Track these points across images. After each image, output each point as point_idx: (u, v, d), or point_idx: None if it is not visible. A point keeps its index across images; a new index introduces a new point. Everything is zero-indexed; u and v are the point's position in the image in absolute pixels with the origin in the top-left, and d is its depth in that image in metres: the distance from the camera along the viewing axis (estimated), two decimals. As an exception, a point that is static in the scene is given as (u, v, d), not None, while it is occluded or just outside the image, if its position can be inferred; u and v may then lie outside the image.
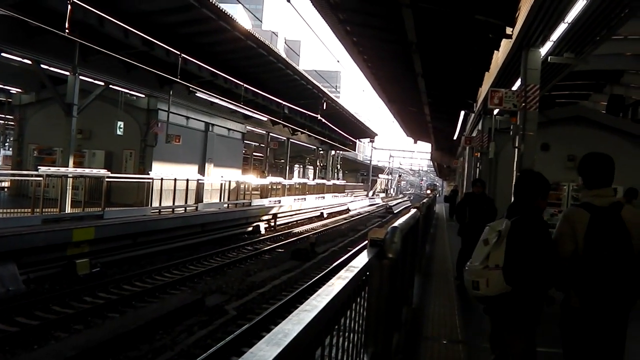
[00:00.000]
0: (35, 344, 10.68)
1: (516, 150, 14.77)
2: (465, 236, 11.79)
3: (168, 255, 20.46)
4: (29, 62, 19.78)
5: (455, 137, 41.48)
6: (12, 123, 31.51)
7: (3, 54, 17.96)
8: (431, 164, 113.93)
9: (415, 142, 64.22)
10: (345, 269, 2.97)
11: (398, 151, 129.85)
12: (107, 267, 17.47)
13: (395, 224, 4.57)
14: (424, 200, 17.18)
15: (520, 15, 13.14)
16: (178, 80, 22.27)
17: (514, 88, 16.88)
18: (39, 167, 18.06)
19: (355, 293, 3.02)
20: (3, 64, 21.08)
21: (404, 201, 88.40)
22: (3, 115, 35.45)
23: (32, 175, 17.84)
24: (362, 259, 3.30)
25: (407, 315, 7.20)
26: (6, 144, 40.38)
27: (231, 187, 30.68)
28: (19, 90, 28.61)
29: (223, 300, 14.83)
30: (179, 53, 21.83)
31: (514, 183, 5.00)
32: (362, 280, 3.20)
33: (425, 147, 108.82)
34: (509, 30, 14.30)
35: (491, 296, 4.64)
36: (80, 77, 20.43)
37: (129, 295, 14.73)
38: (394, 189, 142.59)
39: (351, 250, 24.42)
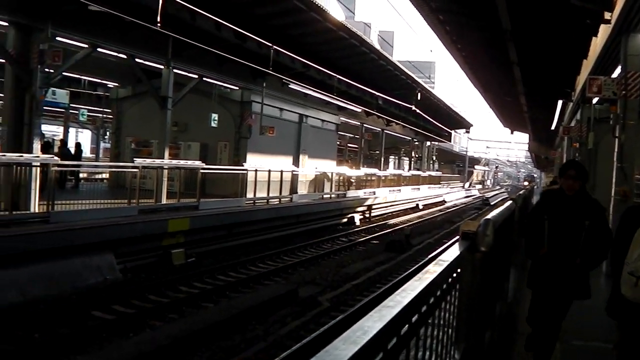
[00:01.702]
0: (131, 332, 10.82)
1: (616, 140, 14.11)
2: (539, 287, 6.25)
3: (262, 246, 20.51)
4: (124, 56, 20.14)
5: (553, 127, 40.44)
6: (110, 116, 32.27)
7: (99, 49, 18.29)
8: (528, 155, 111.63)
9: (512, 133, 62.86)
10: (434, 262, 2.80)
11: (494, 142, 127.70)
12: (202, 258, 17.70)
13: (489, 216, 4.35)
14: (520, 192, 16.70)
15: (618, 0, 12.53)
16: (271, 72, 22.29)
17: (614, 76, 16.16)
18: (134, 159, 18.39)
19: (444, 288, 2.82)
20: (100, 59, 21.54)
21: (500, 193, 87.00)
22: (101, 109, 36.44)
23: (128, 167, 18.20)
24: (453, 252, 3.12)
25: (501, 310, 6.92)
26: (105, 137, 41.43)
27: (326, 179, 30.69)
28: (116, 84, 29.32)
29: (316, 291, 14.74)
30: (271, 45, 21.84)
31: None
32: (452, 274, 3.00)
33: (523, 138, 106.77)
34: (607, 15, 13.65)
35: None
36: (174, 71, 20.70)
37: (223, 286, 14.83)
38: (490, 180, 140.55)
39: (446, 242, 24.00)
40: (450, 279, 2.98)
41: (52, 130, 53.46)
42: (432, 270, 2.59)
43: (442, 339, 2.92)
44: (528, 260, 6.59)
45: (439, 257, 2.93)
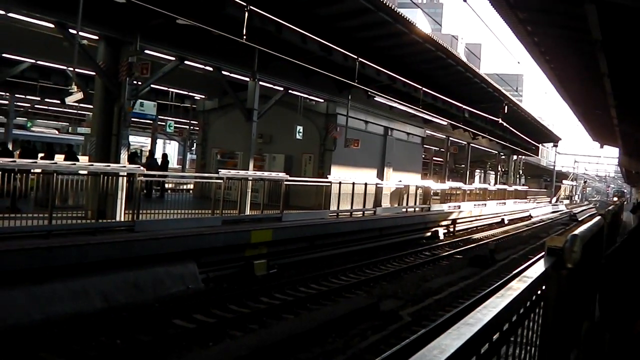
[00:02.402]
0: (211, 341, 10.88)
1: None
2: None
3: (345, 258, 20.43)
4: (210, 69, 20.45)
5: (645, 141, 39.19)
6: (197, 128, 32.82)
7: (186, 62, 18.62)
8: (618, 169, 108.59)
9: (601, 147, 61.12)
10: (517, 279, 2.66)
11: (583, 156, 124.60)
12: (284, 269, 17.73)
13: (576, 231, 4.16)
14: (610, 208, 16.18)
15: None
16: (356, 84, 22.24)
17: None
18: (219, 170, 18.60)
19: (528, 305, 2.69)
20: (187, 72, 21.93)
21: (588, 208, 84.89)
22: (188, 121, 37.10)
23: (213, 178, 18.42)
24: (538, 269, 2.97)
25: (587, 330, 6.65)
26: (192, 148, 42.20)
27: (410, 192, 30.48)
28: (203, 96, 29.80)
29: (398, 305, 14.55)
30: (356, 57, 21.80)
31: None
32: (537, 291, 2.86)
33: (612, 152, 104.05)
34: None
35: None
36: (260, 83, 20.88)
37: (304, 297, 14.82)
38: (578, 195, 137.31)
39: (532, 258, 23.47)
40: (534, 296, 2.85)
41: (140, 141, 54.75)
42: (516, 287, 2.47)
43: (524, 358, 2.79)
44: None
45: (523, 274, 2.80)
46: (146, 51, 17.10)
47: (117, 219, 15.26)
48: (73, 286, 11.92)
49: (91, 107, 20.54)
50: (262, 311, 13.20)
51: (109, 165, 14.87)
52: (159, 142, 54.40)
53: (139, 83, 16.74)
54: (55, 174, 13.18)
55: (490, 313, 1.98)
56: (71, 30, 14.65)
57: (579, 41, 17.72)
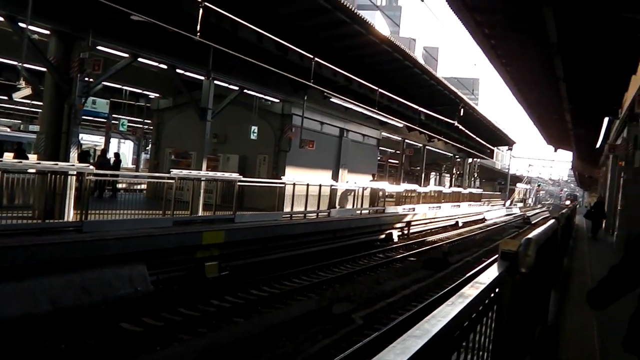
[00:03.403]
0: (158, 345, 10.67)
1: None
2: None
3: (298, 260, 20.28)
4: (164, 67, 20.16)
5: (598, 146, 39.74)
6: (151, 127, 32.41)
7: (140, 59, 18.32)
8: (572, 173, 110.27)
9: (555, 151, 62.11)
10: (470, 285, 2.55)
11: (537, 160, 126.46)
12: (236, 271, 17.54)
13: (530, 235, 4.08)
14: (563, 211, 16.28)
15: (672, 12, 12.14)
16: (312, 84, 22.12)
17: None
18: (171, 170, 18.35)
19: (480, 312, 2.58)
20: (142, 70, 21.62)
21: (542, 211, 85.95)
22: (142, 120, 36.64)
23: (164, 178, 18.17)
24: (491, 274, 2.88)
25: (541, 335, 6.61)
26: (147, 148, 41.76)
27: (365, 194, 30.46)
28: (157, 95, 29.45)
29: (350, 308, 14.44)
30: (312, 57, 21.68)
31: None
32: (489, 297, 2.75)
33: (566, 156, 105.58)
34: (659, 28, 13.28)
35: None
36: (215, 82, 20.67)
37: (256, 300, 14.67)
38: (532, 198, 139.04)
39: (486, 260, 23.57)
40: (487, 302, 2.75)
41: (94, 140, 54.03)
42: (468, 294, 2.36)
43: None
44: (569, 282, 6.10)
45: (476, 279, 2.69)
46: (99, 47, 16.81)
47: (66, 219, 14.93)
48: (19, 288, 11.60)
49: (41, 104, 20.08)
50: (212, 314, 13.02)
51: (57, 164, 14.51)
52: (114, 141, 53.69)
53: (91, 80, 16.44)
54: (1, 172, 12.82)
55: (440, 323, 1.86)
56: (21, 24, 14.30)
57: (536, 44, 17.86)
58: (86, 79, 16.14)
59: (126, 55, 18.04)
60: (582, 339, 7.78)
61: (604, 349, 7.31)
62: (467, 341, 2.40)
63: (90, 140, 52.76)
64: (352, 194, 29.65)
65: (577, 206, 55.40)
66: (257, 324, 12.17)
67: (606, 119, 29.04)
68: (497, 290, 2.95)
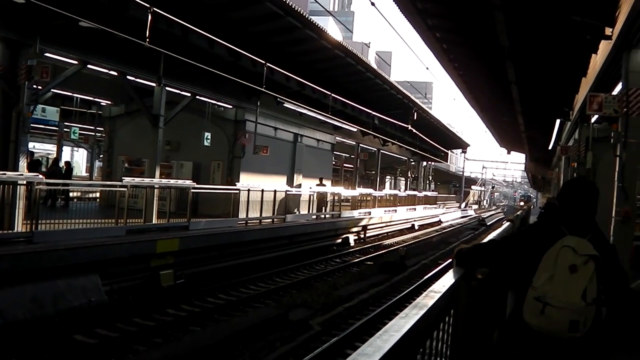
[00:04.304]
0: (113, 357, 10.44)
1: (617, 159, 13.81)
2: None
3: (254, 267, 20.09)
4: (115, 73, 19.88)
5: (550, 147, 40.23)
6: (103, 135, 31.97)
7: (89, 66, 18.04)
8: (525, 175, 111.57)
9: (508, 153, 62.75)
10: (424, 294, 2.46)
11: (491, 162, 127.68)
12: (191, 279, 17.31)
13: (485, 240, 4.03)
14: (518, 212, 16.39)
15: (620, 14, 12.26)
16: (264, 90, 22.00)
17: (614, 93, 15.89)
18: (123, 178, 18.09)
19: (435, 322, 2.49)
20: (92, 77, 21.29)
21: (497, 213, 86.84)
22: (94, 127, 36.13)
23: (116, 186, 17.89)
24: (447, 281, 2.82)
25: (498, 338, 6.57)
26: (100, 156, 41.19)
27: (325, 199, 30.43)
28: (109, 102, 29.06)
29: (308, 314, 14.35)
30: (264, 63, 21.57)
31: (570, 191, 3.65)
32: (445, 305, 2.67)
33: (519, 158, 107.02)
34: (608, 31, 13.40)
35: (579, 338, 3.47)
36: (167, 89, 20.49)
37: (212, 308, 14.49)
38: (487, 200, 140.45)
39: (442, 263, 23.65)
40: (443, 310, 2.67)
41: (46, 148, 53.20)
42: (422, 304, 2.27)
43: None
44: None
45: (431, 288, 2.63)
46: (47, 54, 16.53)
47: (15, 229, 14.59)
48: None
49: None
50: (167, 323, 12.83)
51: (5, 174, 14.18)
52: (67, 149, 52.90)
53: (39, 87, 16.12)
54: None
55: (393, 338, 1.77)
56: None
57: (488, 48, 17.94)
58: (34, 86, 15.84)
59: (75, 62, 17.76)
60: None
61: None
62: (424, 351, 2.32)
63: (43, 149, 51.97)
64: (309, 198, 29.58)
65: (532, 207, 56.04)
66: (214, 332, 12.01)
67: (558, 121, 29.38)
68: (453, 297, 2.88)
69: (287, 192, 27.37)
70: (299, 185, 31.04)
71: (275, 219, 24.96)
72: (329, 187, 32.60)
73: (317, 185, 31.15)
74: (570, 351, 3.53)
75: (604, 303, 3.47)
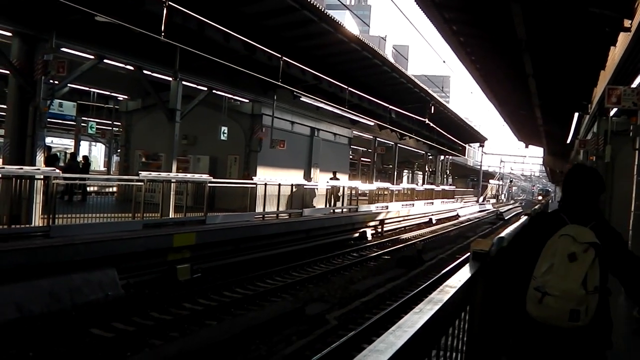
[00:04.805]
0: (129, 351, 10.45)
1: (636, 152, 13.66)
2: None
3: (271, 261, 20.09)
4: (131, 68, 19.90)
5: (568, 141, 39.94)
6: (120, 130, 32.05)
7: (105, 61, 18.06)
8: (543, 169, 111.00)
9: (526, 147, 62.35)
10: (439, 289, 2.39)
11: (509, 156, 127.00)
12: (208, 273, 17.33)
13: (502, 234, 3.96)
14: (536, 207, 16.26)
15: (639, 6, 12.11)
16: (281, 84, 21.96)
17: (634, 86, 15.71)
18: (140, 172, 18.10)
19: (451, 317, 2.42)
20: (109, 72, 21.33)
21: (515, 207, 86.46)
22: (111, 122, 36.25)
23: (133, 181, 17.91)
24: (462, 276, 2.75)
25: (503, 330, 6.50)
26: (118, 150, 41.42)
27: (338, 193, 30.36)
28: (126, 97, 29.14)
29: (324, 308, 14.31)
30: (280, 57, 21.53)
31: (570, 179, 3.56)
32: (461, 300, 2.60)
33: (537, 152, 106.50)
34: (627, 23, 13.23)
35: (582, 327, 3.41)
36: (183, 83, 20.49)
37: (229, 302, 14.49)
38: (504, 194, 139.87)
39: (459, 257, 23.55)
40: (459, 305, 2.61)
41: (64, 143, 53.44)
42: (437, 299, 2.21)
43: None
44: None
45: (446, 283, 2.56)
46: (63, 49, 16.55)
47: (33, 224, 14.64)
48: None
49: (4, 107, 19.71)
50: (184, 318, 12.82)
51: (22, 168, 14.23)
52: (84, 144, 53.15)
53: (56, 82, 16.15)
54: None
55: (406, 334, 1.70)
56: (-18, 26, 14.03)
57: (505, 41, 17.80)
58: (51, 81, 15.86)
59: (91, 56, 17.80)
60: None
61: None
62: (438, 348, 2.26)
63: (61, 143, 52.20)
64: (325, 192, 29.56)
65: (550, 201, 55.73)
66: (230, 327, 11.98)
67: (576, 115, 29.15)
68: (468, 292, 2.81)
69: (305, 187, 27.33)
70: (316, 179, 30.99)
71: (292, 213, 24.91)
72: (344, 181, 32.51)
73: (331, 179, 31.05)
74: (573, 341, 3.48)
75: (609, 292, 3.43)
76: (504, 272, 3.80)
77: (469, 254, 3.38)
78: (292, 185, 25.20)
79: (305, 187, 27.48)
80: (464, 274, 2.84)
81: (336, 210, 29.49)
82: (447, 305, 2.23)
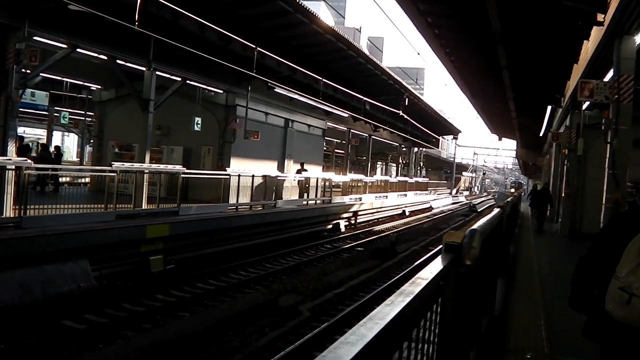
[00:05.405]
0: (102, 343, 10.39)
1: (608, 145, 13.83)
2: None
3: (245, 252, 20.05)
4: (105, 57, 19.76)
5: (541, 134, 40.30)
6: (93, 120, 31.82)
7: (78, 50, 17.92)
8: (516, 161, 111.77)
9: (500, 139, 62.97)
10: (410, 281, 2.40)
11: (482, 148, 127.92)
12: (181, 265, 17.26)
13: (475, 225, 3.98)
14: (509, 199, 16.37)
15: (612, 1, 12.24)
16: (255, 75, 21.93)
17: (606, 80, 15.88)
18: (113, 163, 18.00)
19: (422, 309, 2.44)
20: (82, 61, 21.16)
21: (488, 199, 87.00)
22: (84, 112, 35.96)
23: (106, 171, 17.82)
24: (435, 268, 2.76)
25: (487, 326, 6.56)
26: (91, 140, 41.19)
27: (311, 184, 30.38)
28: (99, 86, 28.94)
29: (297, 300, 14.31)
30: (255, 47, 21.49)
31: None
32: (433, 292, 2.62)
33: (510, 145, 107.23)
34: (600, 17, 13.39)
35: None
36: (157, 73, 20.38)
37: (202, 294, 14.45)
38: (477, 187, 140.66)
39: (432, 249, 23.65)
40: (430, 297, 2.62)
41: (37, 133, 52.98)
42: (409, 291, 2.21)
43: None
44: (516, 269, 6.02)
45: (418, 275, 2.56)
46: (36, 38, 16.41)
47: (4, 215, 14.52)
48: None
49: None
50: (157, 309, 12.76)
51: (-7, 158, 14.11)
52: (57, 134, 52.69)
53: (28, 71, 16.01)
54: None
55: (377, 326, 1.71)
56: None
57: (480, 34, 17.91)
58: (23, 70, 15.73)
59: (64, 45, 17.64)
60: (529, 328, 7.79)
61: (552, 337, 7.31)
62: (410, 339, 2.29)
63: (33, 133, 51.74)
64: (298, 184, 29.63)
65: (522, 194, 56.13)
66: (203, 318, 11.97)
67: (549, 108, 29.41)
68: (440, 283, 2.84)
69: (278, 178, 27.33)
70: (289, 170, 31.01)
71: (265, 205, 24.89)
72: (313, 172, 32.49)
73: (298, 170, 31.03)
74: None
75: None
76: (590, 271, 3.74)
77: (441, 246, 3.40)
78: (265, 176, 25.13)
79: (278, 178, 27.44)
80: (436, 266, 2.86)
81: (310, 202, 29.49)
82: (418, 297, 2.24)
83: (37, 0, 14.35)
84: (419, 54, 30.71)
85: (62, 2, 14.26)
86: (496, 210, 6.89)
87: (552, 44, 17.49)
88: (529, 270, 13.29)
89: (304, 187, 30.55)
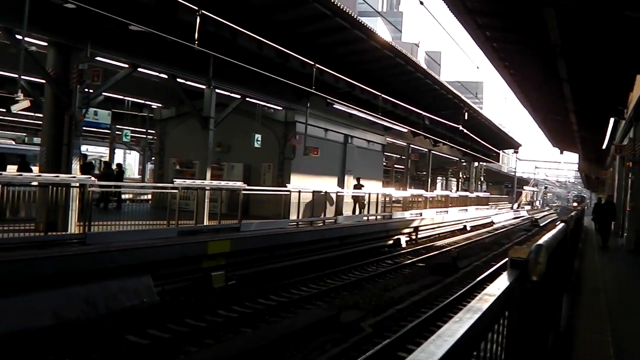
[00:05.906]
0: (164, 358, 10.44)
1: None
2: None
3: (305, 268, 20.04)
4: (165, 76, 20.04)
5: (604, 147, 39.55)
6: (154, 137, 32.34)
7: (139, 69, 18.21)
8: (578, 175, 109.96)
9: (561, 153, 61.87)
10: (478, 297, 2.33)
11: (543, 162, 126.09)
12: (243, 280, 17.31)
13: (541, 240, 3.88)
14: (572, 213, 16.05)
15: (677, 8, 11.94)
16: (314, 91, 21.99)
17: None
18: (174, 180, 18.19)
19: (489, 325, 2.36)
20: (143, 80, 21.52)
21: (550, 214, 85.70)
22: (146, 130, 36.58)
23: (167, 188, 18.01)
24: (501, 284, 2.69)
25: (554, 342, 6.38)
26: (152, 158, 41.89)
27: (371, 200, 30.29)
28: (160, 105, 29.38)
29: (359, 316, 14.18)
30: (313, 64, 21.55)
31: None
32: (499, 309, 2.55)
33: (572, 158, 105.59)
34: (663, 27, 13.09)
35: None
36: (217, 91, 20.58)
37: (263, 309, 14.42)
38: (539, 201, 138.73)
39: (494, 265, 23.30)
40: (497, 314, 2.55)
41: (99, 151, 54.07)
42: (476, 308, 2.16)
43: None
44: (581, 284, 5.91)
45: (485, 291, 2.50)
46: (98, 58, 16.76)
47: (69, 231, 14.77)
48: (19, 302, 11.40)
49: (41, 116, 19.94)
50: (218, 325, 12.80)
51: (58, 176, 14.38)
52: (119, 152, 53.70)
53: (91, 91, 16.30)
54: (1, 186, 12.66)
55: (446, 344, 1.66)
56: (18, 36, 14.17)
57: (538, 46, 17.69)
58: (86, 90, 16.01)
59: (126, 65, 17.96)
60: (596, 343, 7.54)
61: (620, 354, 7.07)
62: (478, 354, 2.21)
63: (96, 151, 52.88)
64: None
65: (586, 208, 55.13)
66: (265, 334, 11.95)
67: (612, 120, 28.83)
68: (507, 300, 2.75)
69: (338, 194, 27.31)
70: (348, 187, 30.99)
71: (326, 220, 24.87)
72: (373, 188, 32.39)
73: (355, 186, 30.95)
74: None
75: None
76: None
77: (504, 260, 3.31)
78: (325, 192, 25.13)
79: (338, 194, 27.42)
80: (502, 282, 2.79)
81: (370, 218, 29.39)
82: (486, 315, 2.19)
83: (99, 21, 14.58)
84: (478, 68, 30.42)
85: (123, 22, 14.49)
86: (560, 224, 6.73)
87: (613, 55, 17.14)
88: (594, 286, 12.95)
89: (361, 203, 30.46)
